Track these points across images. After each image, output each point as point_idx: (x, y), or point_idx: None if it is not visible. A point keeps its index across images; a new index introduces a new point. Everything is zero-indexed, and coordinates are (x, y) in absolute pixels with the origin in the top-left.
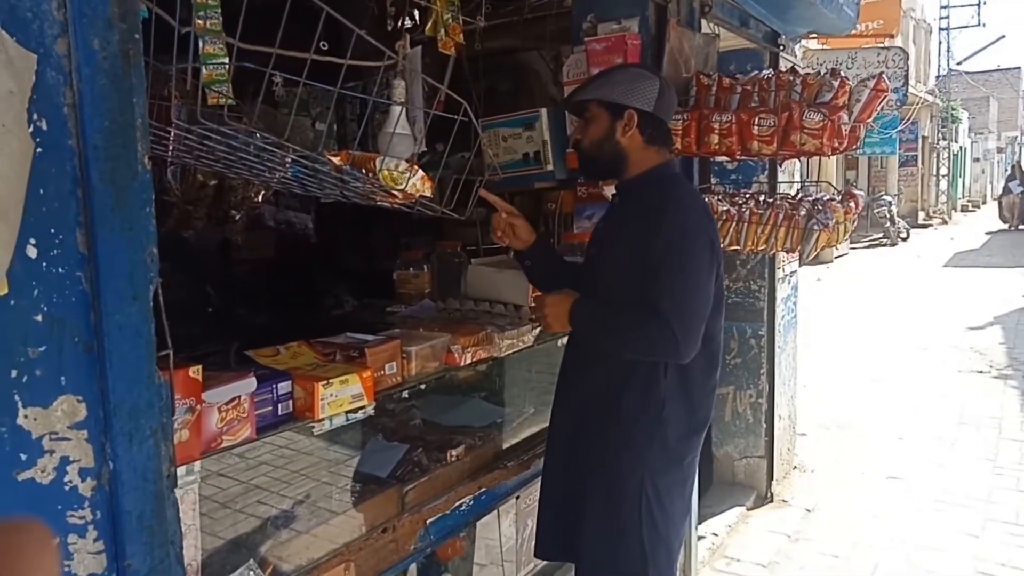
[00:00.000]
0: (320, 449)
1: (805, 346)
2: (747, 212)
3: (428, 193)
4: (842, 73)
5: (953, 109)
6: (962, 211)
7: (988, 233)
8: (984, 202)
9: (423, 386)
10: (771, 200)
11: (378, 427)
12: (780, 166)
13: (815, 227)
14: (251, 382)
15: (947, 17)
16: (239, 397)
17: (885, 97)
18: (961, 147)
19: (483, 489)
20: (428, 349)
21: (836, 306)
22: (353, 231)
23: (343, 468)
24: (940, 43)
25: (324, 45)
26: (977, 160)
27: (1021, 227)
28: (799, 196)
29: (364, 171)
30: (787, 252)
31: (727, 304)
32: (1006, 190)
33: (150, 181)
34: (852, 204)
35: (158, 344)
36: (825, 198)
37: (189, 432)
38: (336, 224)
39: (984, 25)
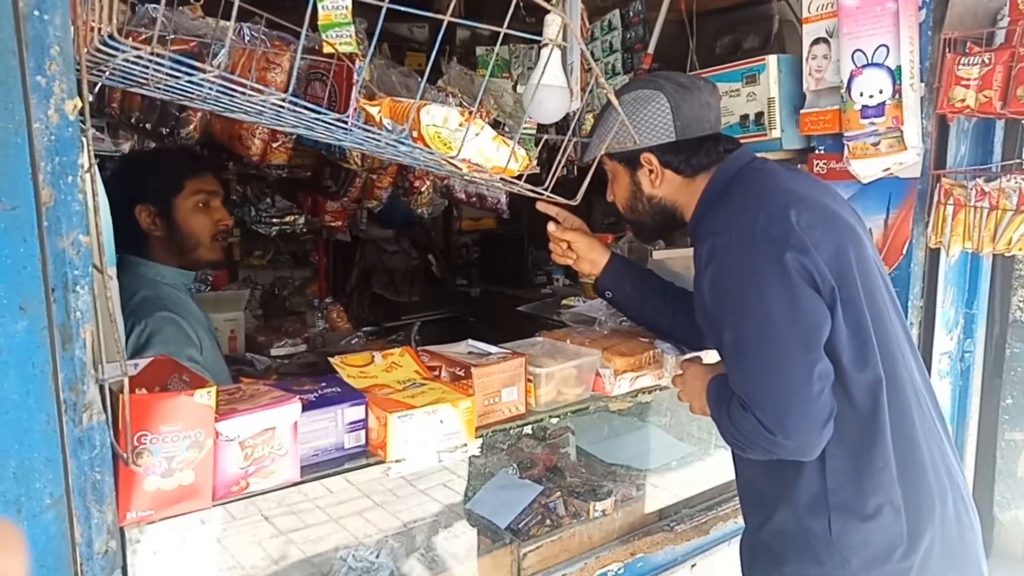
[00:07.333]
0: (412, 477)
1: None
2: None
3: (501, 162)
4: None
5: None
6: None
7: None
8: None
9: (554, 419)
10: None
11: (514, 452)
12: None
13: None
14: (294, 408)
15: None
16: (272, 429)
17: None
18: None
19: (637, 556)
20: (571, 370)
21: None
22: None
23: (447, 509)
24: None
25: None
26: None
27: None
28: None
29: (410, 130)
30: None
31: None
32: None
33: (76, 133)
34: None
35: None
36: None
37: (195, 473)
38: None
39: None
